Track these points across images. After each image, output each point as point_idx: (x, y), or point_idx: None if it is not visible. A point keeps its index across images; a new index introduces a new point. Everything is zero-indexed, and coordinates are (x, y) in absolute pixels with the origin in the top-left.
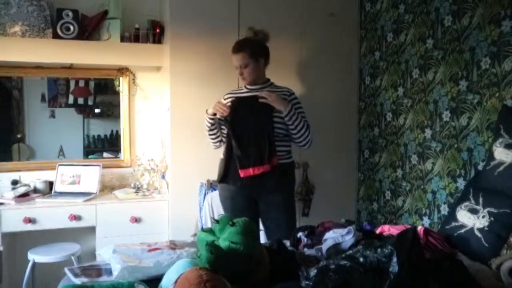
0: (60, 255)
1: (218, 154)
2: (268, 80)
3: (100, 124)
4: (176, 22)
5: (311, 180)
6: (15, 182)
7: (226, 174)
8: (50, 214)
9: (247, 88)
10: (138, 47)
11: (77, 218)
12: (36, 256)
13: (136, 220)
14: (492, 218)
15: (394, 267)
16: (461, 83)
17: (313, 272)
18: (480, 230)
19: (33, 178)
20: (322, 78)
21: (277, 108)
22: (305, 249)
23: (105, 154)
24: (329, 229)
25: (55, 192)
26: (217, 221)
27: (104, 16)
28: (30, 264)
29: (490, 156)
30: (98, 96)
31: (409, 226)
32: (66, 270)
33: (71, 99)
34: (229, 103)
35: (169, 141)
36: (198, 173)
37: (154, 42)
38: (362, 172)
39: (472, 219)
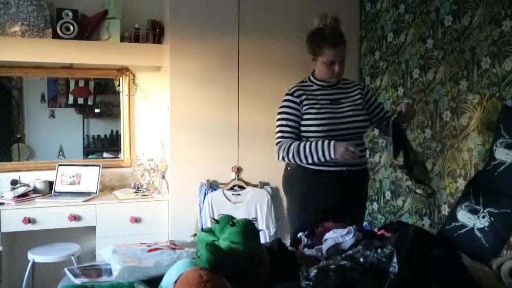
0: (60, 255)
1: (218, 154)
2: None
3: (100, 124)
4: (176, 22)
5: None
6: (14, 182)
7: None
8: (50, 214)
9: (317, 85)
10: (138, 47)
11: (77, 218)
12: (36, 256)
13: (136, 220)
14: (492, 218)
15: (394, 267)
16: (461, 83)
17: (313, 272)
18: (480, 230)
19: (33, 178)
20: None
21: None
22: (305, 249)
23: (105, 154)
24: (329, 229)
25: (55, 192)
26: (217, 221)
27: (104, 16)
28: (30, 264)
29: (491, 156)
30: (98, 96)
31: None
32: (66, 270)
33: (71, 99)
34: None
35: (169, 141)
36: (198, 173)
37: (154, 42)
38: None
39: (472, 219)
